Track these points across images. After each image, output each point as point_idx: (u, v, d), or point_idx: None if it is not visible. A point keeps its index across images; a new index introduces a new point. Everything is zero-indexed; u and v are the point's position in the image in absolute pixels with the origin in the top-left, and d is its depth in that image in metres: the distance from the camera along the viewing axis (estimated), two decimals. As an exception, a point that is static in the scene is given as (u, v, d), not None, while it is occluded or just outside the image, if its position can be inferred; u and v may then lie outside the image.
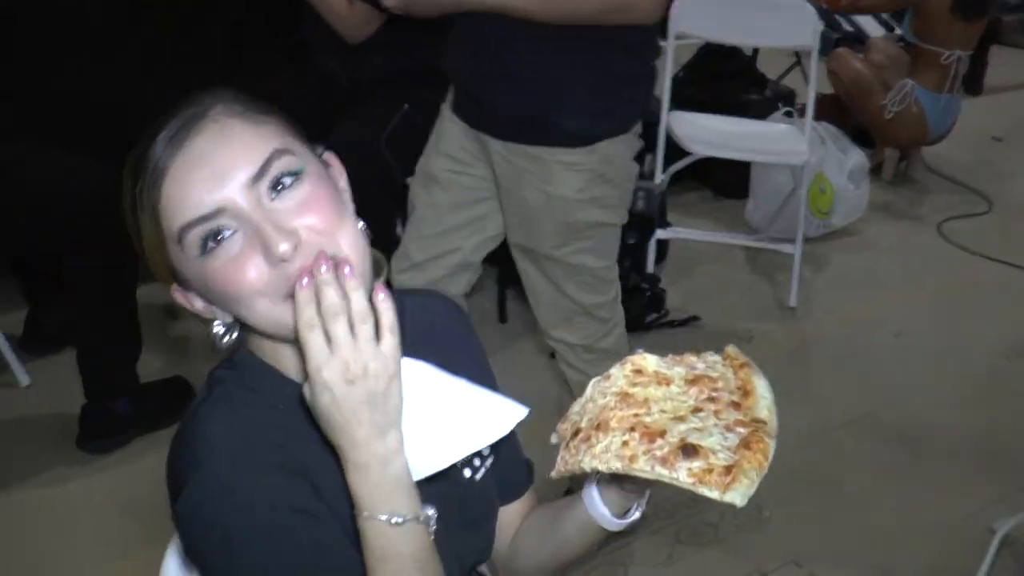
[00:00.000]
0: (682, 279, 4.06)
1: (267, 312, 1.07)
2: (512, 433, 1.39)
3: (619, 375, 1.11)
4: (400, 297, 1.18)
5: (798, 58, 5.47)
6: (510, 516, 1.40)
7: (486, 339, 2.74)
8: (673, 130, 3.92)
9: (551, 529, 1.32)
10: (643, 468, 1.01)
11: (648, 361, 1.12)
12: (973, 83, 6.44)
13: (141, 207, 1.08)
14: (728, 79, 4.78)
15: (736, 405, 1.07)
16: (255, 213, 1.05)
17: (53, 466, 2.82)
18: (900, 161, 5.23)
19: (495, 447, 1.33)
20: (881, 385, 3.51)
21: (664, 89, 3.98)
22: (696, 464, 0.99)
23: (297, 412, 1.11)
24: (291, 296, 1.04)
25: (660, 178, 3.94)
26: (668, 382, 1.10)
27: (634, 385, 1.09)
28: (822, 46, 4.06)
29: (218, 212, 1.05)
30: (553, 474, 1.11)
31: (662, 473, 1.00)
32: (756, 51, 5.05)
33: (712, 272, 4.17)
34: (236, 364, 1.18)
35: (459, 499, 1.26)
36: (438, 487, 1.20)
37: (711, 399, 1.08)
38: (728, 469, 0.98)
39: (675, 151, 3.94)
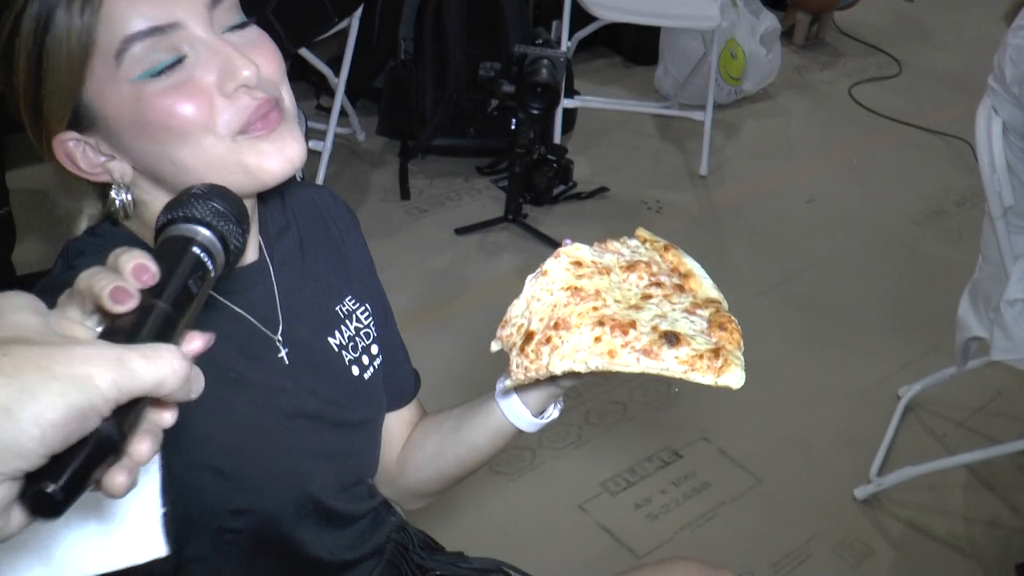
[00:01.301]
0: (590, 149, 3.95)
1: (213, 150, 0.94)
2: (396, 336, 1.29)
3: (559, 269, 1.01)
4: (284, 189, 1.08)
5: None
6: (398, 427, 1.30)
7: (388, 216, 2.61)
8: (579, -6, 3.76)
9: (453, 438, 1.23)
10: (627, 362, 0.93)
11: (582, 252, 1.03)
12: (886, -58, 6.34)
13: (57, 22, 0.91)
14: (637, -61, 4.60)
15: (680, 288, 1.01)
16: (214, 38, 0.94)
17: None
18: (811, 24, 5.12)
19: (383, 345, 1.23)
20: (792, 253, 3.47)
21: (570, -50, 3.81)
22: (683, 351, 0.92)
23: None
24: (243, 132, 0.94)
25: (566, 45, 3.79)
26: (607, 271, 1.02)
27: (579, 278, 1.00)
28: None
29: (173, 26, 0.92)
30: (508, 383, 1.00)
31: (650, 365, 0.92)
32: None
33: (621, 141, 4.06)
34: (99, 234, 1.03)
35: (344, 395, 1.16)
36: (315, 378, 1.11)
37: (655, 284, 1.01)
38: (716, 353, 0.92)
39: (582, 17, 3.79)
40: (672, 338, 0.92)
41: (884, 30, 5.28)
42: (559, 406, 1.16)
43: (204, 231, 0.75)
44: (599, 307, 0.97)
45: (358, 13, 3.33)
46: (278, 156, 0.96)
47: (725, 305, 1.00)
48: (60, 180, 1.02)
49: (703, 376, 0.91)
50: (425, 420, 1.32)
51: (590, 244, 1.04)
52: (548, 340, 0.96)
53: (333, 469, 1.16)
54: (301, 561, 1.14)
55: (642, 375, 0.93)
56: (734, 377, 0.91)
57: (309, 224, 1.20)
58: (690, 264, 1.04)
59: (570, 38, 3.84)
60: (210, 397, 0.99)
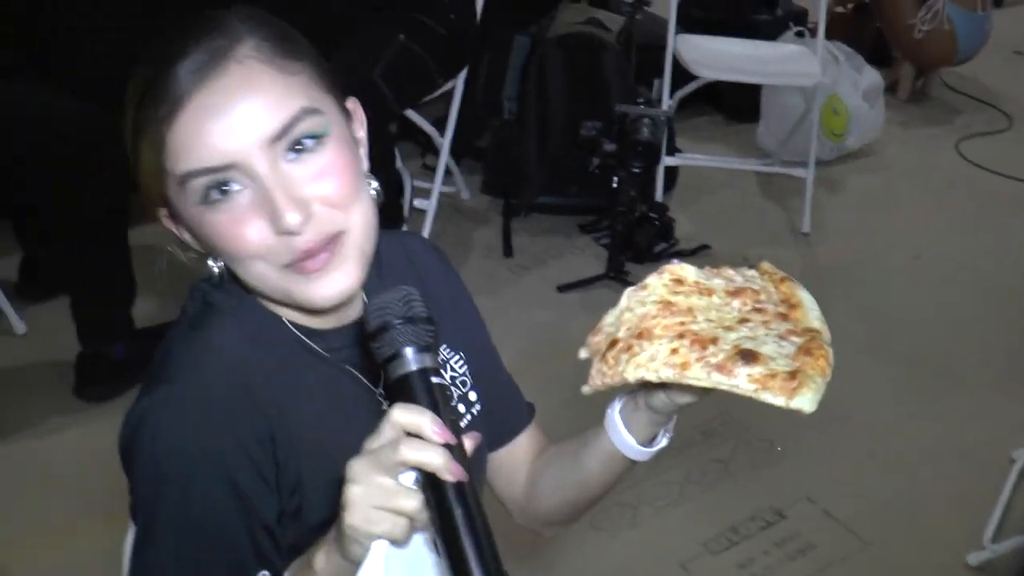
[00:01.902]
0: (692, 207, 3.95)
1: (263, 275, 1.01)
2: (502, 373, 1.32)
3: (657, 284, 1.03)
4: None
5: (811, -26, 5.31)
6: (516, 458, 1.33)
7: (492, 274, 2.67)
8: (680, 54, 3.78)
9: (573, 466, 1.24)
10: (698, 375, 0.94)
11: (687, 271, 1.04)
12: (993, -5, 6.26)
13: (143, 133, 0.98)
14: (737, -1, 4.63)
15: (783, 316, 1.00)
16: (269, 176, 0.96)
17: (50, 415, 2.77)
18: (917, 79, 5.07)
19: (482, 393, 1.26)
20: (898, 310, 3.43)
21: (671, 11, 3.85)
22: (756, 370, 0.92)
23: (286, 356, 1.08)
24: (290, 266, 0.99)
25: (667, 104, 3.82)
26: (710, 293, 1.03)
27: (675, 294, 1.02)
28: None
29: (229, 167, 0.96)
30: (586, 388, 1.02)
31: (720, 380, 0.93)
32: (767, -31, 4.90)
33: (723, 199, 4.06)
34: (227, 285, 1.09)
35: None
36: None
37: (757, 310, 1.01)
38: (792, 375, 0.91)
39: (683, 75, 3.82)
40: (748, 356, 0.92)
41: (993, 84, 5.20)
42: (667, 434, 1.15)
43: (420, 359, 0.91)
44: (686, 322, 0.98)
45: (463, 75, 3.41)
46: (323, 292, 1.01)
47: (826, 336, 0.98)
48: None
49: (774, 397, 0.91)
50: (548, 449, 1.33)
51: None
52: (629, 348, 0.98)
53: None
54: None
55: (714, 391, 0.93)
56: (807, 400, 0.90)
57: (400, 273, 1.23)
58: (802, 296, 1.03)
59: (671, 97, 3.87)
60: (315, 452, 1.04)
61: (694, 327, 0.97)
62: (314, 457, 1.07)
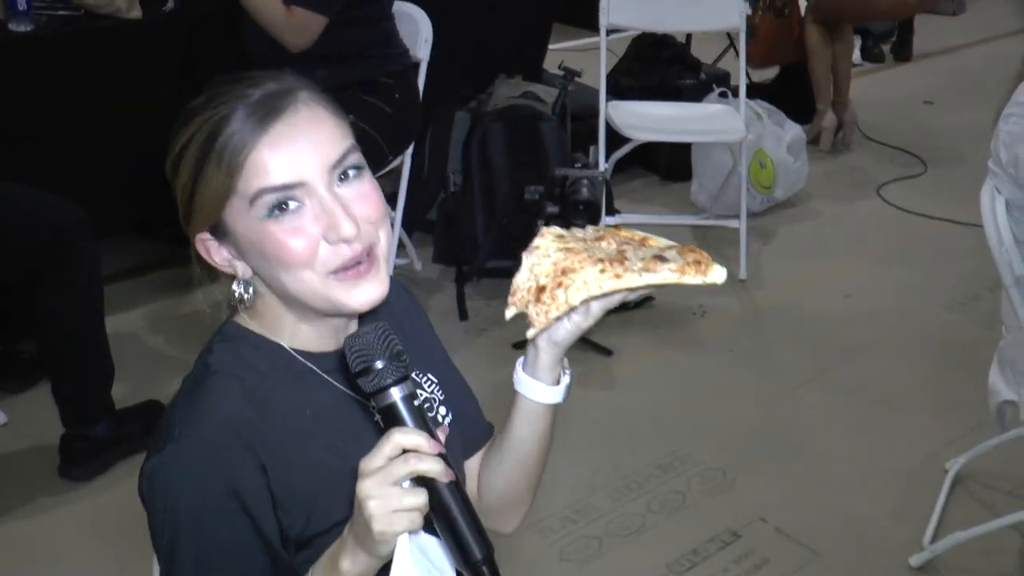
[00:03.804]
0: (635, 263, 4.15)
1: (308, 281, 1.19)
2: (466, 389, 1.51)
3: (547, 241, 1.21)
4: None
5: (731, 40, 5.60)
6: (473, 468, 1.49)
7: (449, 337, 2.84)
8: (612, 119, 4.03)
9: (503, 443, 1.39)
10: (632, 279, 1.15)
11: (558, 230, 1.24)
12: (902, 50, 6.63)
13: (213, 159, 1.17)
14: (663, 66, 4.90)
15: (644, 244, 1.22)
16: (327, 195, 1.17)
17: (37, 497, 2.87)
18: (837, 132, 5.37)
19: (452, 407, 1.44)
20: (834, 345, 3.64)
21: (601, 81, 4.10)
22: (673, 264, 1.15)
23: (289, 382, 1.26)
24: (335, 273, 1.19)
25: (603, 166, 4.05)
26: (584, 240, 1.23)
27: (565, 245, 1.21)
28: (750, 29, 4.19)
29: (297, 185, 1.17)
30: (530, 332, 1.19)
31: (651, 278, 1.14)
32: (689, 37, 5.19)
33: (663, 254, 4.27)
34: (228, 338, 1.28)
35: None
36: None
37: (624, 245, 1.22)
38: (697, 263, 1.15)
39: (617, 140, 4.06)
40: (661, 258, 1.16)
41: (906, 131, 5.50)
42: (567, 371, 1.31)
43: (402, 389, 1.12)
44: (593, 254, 1.18)
45: (409, 151, 3.61)
46: (359, 298, 1.21)
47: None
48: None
49: (693, 278, 1.14)
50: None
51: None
52: (559, 284, 1.16)
53: None
54: None
55: (647, 286, 1.14)
56: (718, 274, 1.14)
57: (377, 308, 1.39)
58: (644, 234, 1.25)
59: (607, 160, 4.10)
60: (319, 464, 1.22)
61: (600, 255, 1.18)
62: (318, 471, 1.24)
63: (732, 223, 4.15)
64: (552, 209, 3.37)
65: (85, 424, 2.92)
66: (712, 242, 4.33)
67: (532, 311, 1.19)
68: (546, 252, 1.21)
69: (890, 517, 2.79)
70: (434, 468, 1.08)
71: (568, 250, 1.19)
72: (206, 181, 1.18)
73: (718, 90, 4.62)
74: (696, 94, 4.69)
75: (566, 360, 1.31)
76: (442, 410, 1.43)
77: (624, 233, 1.26)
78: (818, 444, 3.10)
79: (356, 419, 1.29)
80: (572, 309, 1.17)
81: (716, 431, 3.15)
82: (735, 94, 4.35)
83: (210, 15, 3.64)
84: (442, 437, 1.13)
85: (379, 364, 1.11)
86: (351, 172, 1.21)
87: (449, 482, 1.10)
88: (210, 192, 1.19)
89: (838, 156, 5.30)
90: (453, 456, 1.42)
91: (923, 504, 2.79)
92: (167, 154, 1.22)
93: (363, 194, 1.21)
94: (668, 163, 4.83)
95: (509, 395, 1.30)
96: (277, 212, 1.17)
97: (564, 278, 1.17)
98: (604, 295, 1.17)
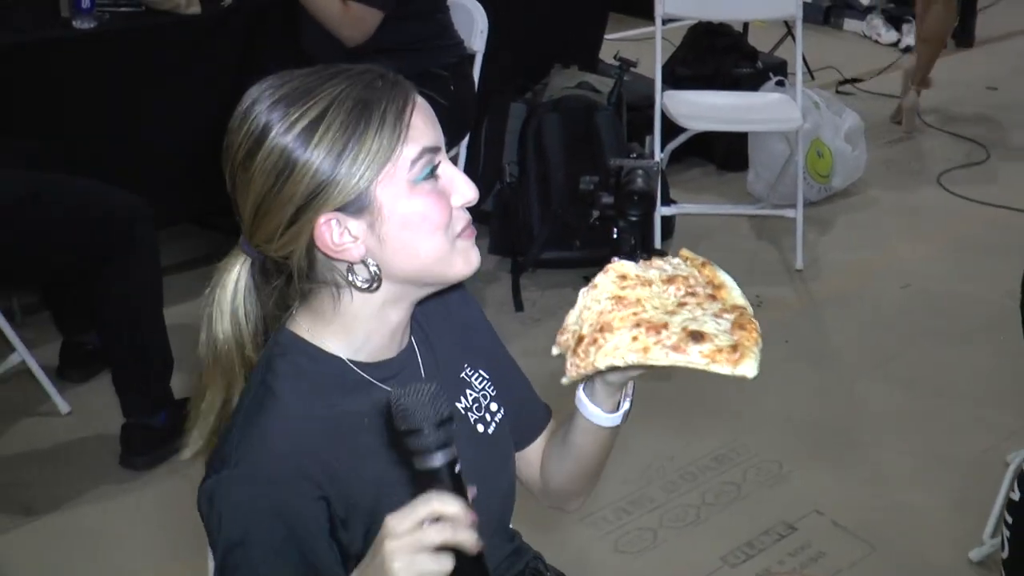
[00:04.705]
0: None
1: (441, 246, 1.23)
2: (521, 378, 1.53)
3: (606, 282, 1.22)
4: None
5: (788, 28, 5.55)
6: (537, 453, 1.52)
7: (503, 328, 2.87)
8: (668, 109, 4.01)
9: (564, 446, 1.43)
10: (658, 357, 1.13)
11: (627, 267, 1.24)
12: (965, 35, 6.52)
13: (375, 123, 1.17)
14: (719, 55, 4.87)
15: (712, 297, 1.20)
16: (447, 162, 1.25)
17: (100, 486, 2.92)
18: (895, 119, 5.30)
19: (502, 400, 1.45)
20: (891, 335, 3.61)
21: (656, 70, 4.09)
22: (705, 347, 1.11)
23: (347, 394, 1.26)
24: (459, 235, 1.24)
25: (659, 156, 4.04)
26: (649, 283, 1.22)
27: (623, 288, 1.21)
28: (810, 13, 4.15)
29: (438, 149, 1.23)
30: (564, 380, 1.22)
31: (677, 359, 1.12)
32: (746, 26, 5.15)
33: (719, 243, 4.26)
34: (285, 349, 1.27)
35: (473, 450, 1.36)
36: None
37: (691, 293, 1.21)
38: (734, 348, 1.10)
39: (673, 130, 4.04)
40: (697, 336, 1.11)
41: (969, 117, 5.42)
42: (628, 398, 1.35)
43: (446, 455, 1.07)
44: (638, 312, 1.17)
45: (465, 142, 3.63)
46: (473, 260, 1.26)
47: (750, 310, 1.18)
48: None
49: (722, 367, 1.10)
50: (552, 436, 1.53)
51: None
52: (594, 341, 1.17)
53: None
54: None
55: (673, 367, 1.12)
56: (748, 367, 1.10)
57: (438, 327, 1.42)
58: (723, 277, 1.23)
59: (662, 149, 4.09)
60: (380, 477, 1.23)
61: (645, 316, 1.17)
62: (379, 484, 1.25)
63: (789, 213, 4.12)
64: (607, 199, 3.37)
65: (145, 414, 2.97)
66: (769, 232, 4.31)
67: (568, 360, 1.20)
68: (600, 295, 1.21)
69: (949, 510, 2.76)
70: (468, 540, 1.06)
71: (619, 300, 1.19)
72: (363, 148, 1.17)
73: (775, 79, 4.60)
74: (753, 83, 4.66)
75: (631, 385, 1.33)
76: (492, 406, 1.44)
77: (706, 272, 1.24)
78: (875, 435, 3.07)
79: None
80: (598, 372, 1.17)
81: (772, 422, 3.13)
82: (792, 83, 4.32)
83: (268, 10, 3.69)
84: (470, 496, 1.10)
85: (427, 430, 1.07)
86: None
87: (477, 553, 1.08)
88: (369, 159, 1.17)
89: (898, 144, 5.24)
90: (499, 446, 1.44)
91: (983, 497, 2.74)
92: (254, 146, 1.18)
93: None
94: (724, 153, 4.80)
95: (562, 388, 1.31)
96: (430, 173, 1.21)
97: (600, 335, 1.17)
98: (627, 367, 1.16)
